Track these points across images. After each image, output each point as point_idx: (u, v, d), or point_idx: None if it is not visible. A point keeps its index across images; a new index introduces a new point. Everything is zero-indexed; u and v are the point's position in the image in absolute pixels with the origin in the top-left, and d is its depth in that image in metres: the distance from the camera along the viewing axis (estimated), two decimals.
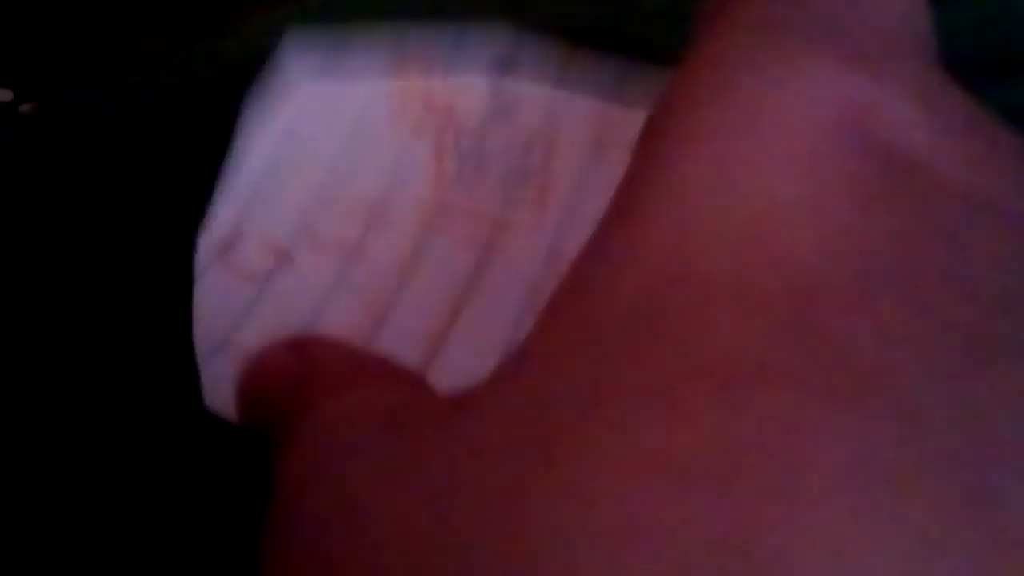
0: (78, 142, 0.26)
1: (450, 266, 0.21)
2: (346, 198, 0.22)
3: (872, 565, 0.09)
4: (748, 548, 0.09)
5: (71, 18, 0.32)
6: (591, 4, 0.26)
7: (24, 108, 0.30)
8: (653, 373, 0.11)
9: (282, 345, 0.16)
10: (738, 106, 0.13)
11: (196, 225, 0.22)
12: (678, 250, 0.12)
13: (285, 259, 0.21)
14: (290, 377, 0.16)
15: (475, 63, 0.24)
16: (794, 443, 0.09)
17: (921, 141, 0.12)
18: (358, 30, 0.24)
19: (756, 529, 0.09)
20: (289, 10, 0.26)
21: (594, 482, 0.10)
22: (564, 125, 0.23)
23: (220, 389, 0.19)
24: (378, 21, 0.25)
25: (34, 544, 0.19)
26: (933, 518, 0.09)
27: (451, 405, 0.13)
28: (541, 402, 0.11)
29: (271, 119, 0.23)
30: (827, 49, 0.13)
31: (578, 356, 0.11)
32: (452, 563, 0.10)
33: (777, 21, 0.14)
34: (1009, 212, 0.12)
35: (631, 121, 0.23)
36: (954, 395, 0.10)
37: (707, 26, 0.15)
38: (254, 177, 0.22)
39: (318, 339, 0.17)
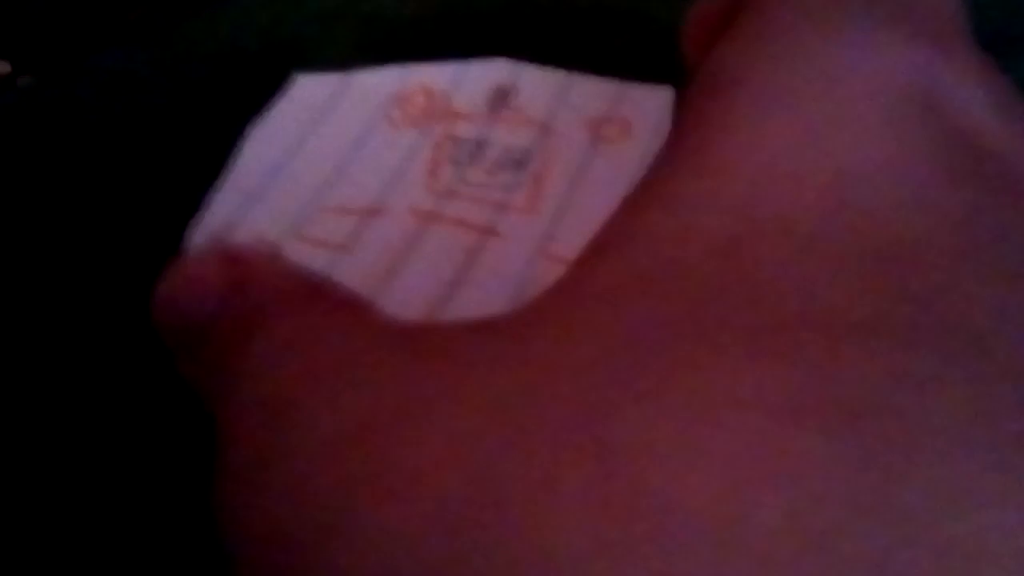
0: (74, 119, 0.25)
1: (439, 261, 0.21)
2: (341, 204, 0.22)
3: (1009, 520, 0.08)
4: (876, 502, 0.09)
5: None
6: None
7: (23, 80, 0.30)
8: (756, 317, 0.10)
9: (214, 254, 0.15)
10: (814, 67, 0.13)
11: (188, 217, 0.21)
12: (760, 202, 0.12)
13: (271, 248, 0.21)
14: (215, 288, 0.15)
15: (476, 90, 0.25)
16: (910, 396, 0.09)
17: (990, 126, 0.12)
18: (364, 70, 0.25)
19: (887, 482, 0.09)
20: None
21: (698, 422, 0.09)
22: (560, 130, 0.24)
23: None
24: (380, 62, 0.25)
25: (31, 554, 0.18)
26: None
27: (482, 327, 0.12)
28: (620, 333, 0.11)
29: (274, 140, 0.24)
30: (894, 23, 0.13)
31: (653, 295, 0.11)
32: (537, 476, 0.10)
33: None
34: None
35: (626, 120, 0.23)
36: None
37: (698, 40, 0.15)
38: (254, 185, 0.23)
39: (253, 248, 0.17)
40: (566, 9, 0.27)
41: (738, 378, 0.10)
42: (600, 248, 0.13)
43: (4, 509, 0.18)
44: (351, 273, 0.21)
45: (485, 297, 0.20)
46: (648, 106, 0.23)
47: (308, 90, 0.25)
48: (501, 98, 0.24)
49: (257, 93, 0.24)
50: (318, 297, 0.15)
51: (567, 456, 0.10)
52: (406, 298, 0.20)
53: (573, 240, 0.21)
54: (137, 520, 0.18)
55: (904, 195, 0.11)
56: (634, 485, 0.09)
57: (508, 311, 0.12)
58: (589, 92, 0.24)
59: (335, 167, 0.23)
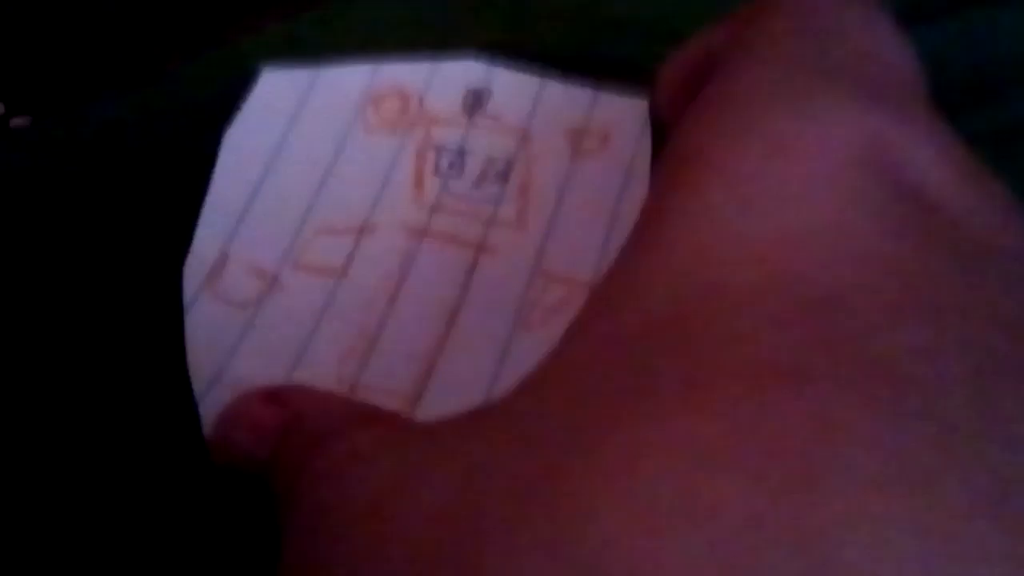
0: (70, 160, 0.26)
1: (438, 283, 0.22)
2: (330, 222, 0.23)
3: (915, 555, 0.09)
4: (788, 531, 0.10)
5: (63, 31, 0.32)
6: (567, 25, 0.27)
7: (16, 122, 0.30)
8: (686, 374, 0.11)
9: (256, 396, 0.17)
10: (768, 135, 0.13)
11: (180, 254, 0.22)
12: (708, 265, 0.13)
13: (273, 283, 0.22)
14: (270, 429, 0.16)
15: (449, 92, 0.25)
16: (833, 438, 0.10)
17: (938, 183, 0.13)
18: (333, 64, 0.25)
19: (798, 514, 0.10)
20: (265, 37, 0.27)
21: (633, 466, 0.11)
22: (539, 139, 0.24)
23: None
24: (352, 55, 0.25)
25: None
26: (964, 521, 0.10)
27: (468, 417, 0.14)
28: (574, 401, 0.12)
29: (251, 146, 0.24)
30: (852, 89, 0.14)
31: (610, 360, 0.12)
32: (499, 543, 0.11)
33: (801, 60, 0.15)
34: (1015, 252, 0.13)
35: (604, 131, 0.24)
36: (979, 407, 0.11)
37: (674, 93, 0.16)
38: (237, 203, 0.23)
39: (294, 387, 0.18)
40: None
41: (666, 429, 0.11)
42: (575, 327, 0.14)
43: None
44: (352, 300, 0.21)
45: (488, 320, 0.21)
46: (625, 117, 0.24)
47: (276, 86, 0.25)
48: (476, 102, 0.25)
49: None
50: (363, 418, 0.16)
51: (522, 518, 0.11)
52: (410, 326, 0.21)
53: (566, 256, 0.22)
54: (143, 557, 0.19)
55: (844, 249, 0.12)
56: (574, 537, 0.10)
57: (488, 401, 0.14)
58: (563, 98, 0.24)
59: (318, 181, 0.23)
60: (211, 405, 0.19)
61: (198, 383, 0.20)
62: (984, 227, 0.13)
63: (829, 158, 0.13)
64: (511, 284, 0.21)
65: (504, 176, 0.23)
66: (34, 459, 0.20)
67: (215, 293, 0.22)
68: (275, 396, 0.17)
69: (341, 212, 0.23)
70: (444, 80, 0.25)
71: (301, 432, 0.16)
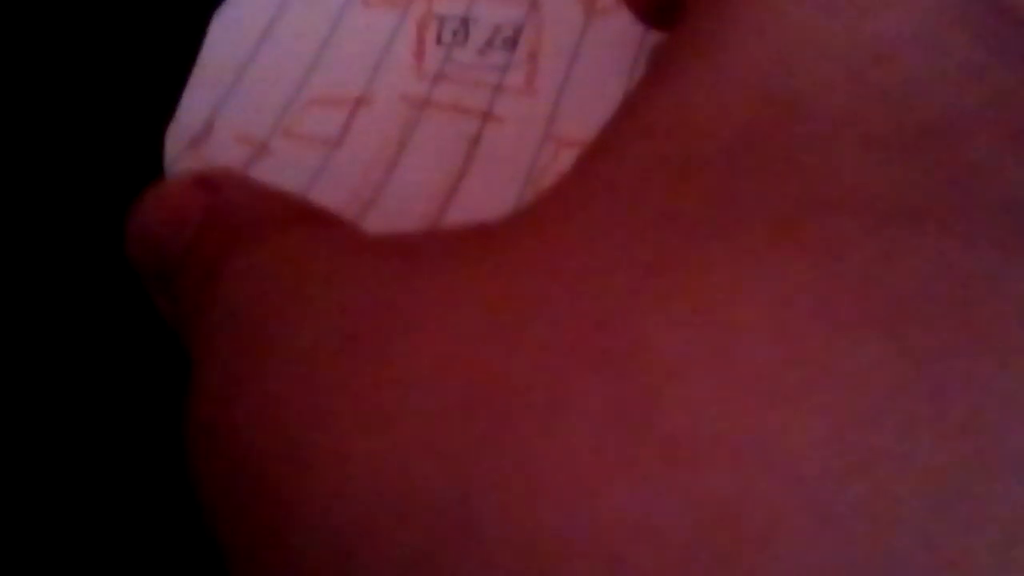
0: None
1: (439, 152, 0.20)
2: (325, 95, 0.21)
3: None
4: (937, 409, 0.08)
5: None
6: None
7: None
8: (783, 207, 0.09)
9: (186, 180, 0.15)
10: None
11: (162, 119, 0.20)
12: (779, 80, 0.11)
13: (261, 150, 0.20)
14: (192, 215, 0.14)
15: None
16: (970, 292, 0.08)
17: None
18: None
19: (947, 386, 0.08)
20: None
21: (729, 324, 0.09)
22: (550, 2, 0.23)
23: None
24: None
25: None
26: None
27: (477, 233, 0.11)
28: (628, 231, 0.10)
29: (243, 21, 0.22)
30: None
31: (670, 185, 0.10)
32: (541, 398, 0.09)
33: None
34: None
35: None
36: None
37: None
38: (226, 75, 0.21)
39: (228, 173, 0.16)
40: None
41: (761, 274, 0.09)
42: (604, 143, 0.12)
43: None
44: (347, 169, 0.20)
45: (493, 188, 0.20)
46: None
47: None
48: None
49: None
50: (299, 218, 0.14)
51: (574, 375, 0.09)
52: (409, 192, 0.20)
53: (579, 120, 0.20)
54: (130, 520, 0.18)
55: (939, 66, 0.11)
56: (649, 404, 0.08)
57: (506, 216, 0.11)
58: None
59: (311, 53, 0.22)
60: None
61: None
62: None
63: None
64: (520, 151, 0.20)
65: (512, 43, 0.22)
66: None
67: (198, 156, 0.20)
68: (206, 181, 0.15)
69: (336, 84, 0.21)
70: None
71: (226, 222, 0.14)
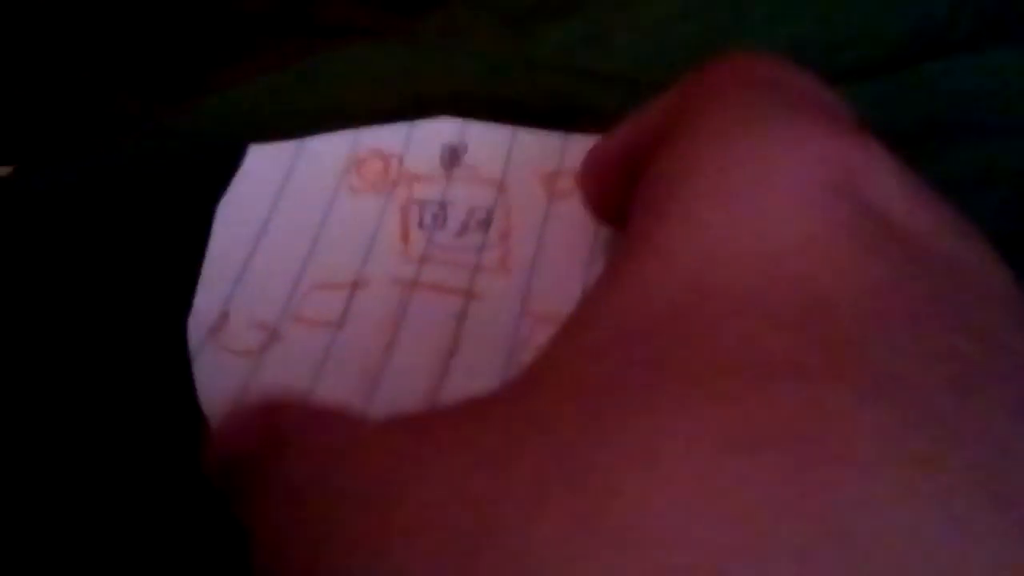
0: (55, 208, 0.26)
1: (430, 331, 0.23)
2: (325, 280, 0.24)
3: (913, 525, 0.10)
4: (808, 507, 0.11)
5: (49, 79, 0.32)
6: (549, 78, 0.28)
7: (1, 170, 0.31)
8: (697, 368, 0.12)
9: (249, 407, 0.18)
10: (747, 161, 0.15)
11: (183, 308, 0.23)
12: (704, 273, 0.14)
13: (273, 335, 0.23)
14: (261, 430, 0.17)
15: (427, 150, 0.26)
16: (834, 426, 0.11)
17: (900, 206, 0.15)
18: (315, 136, 0.27)
19: (813, 492, 0.11)
20: (254, 88, 0.27)
21: (655, 449, 0.11)
22: (516, 186, 0.25)
23: None
24: (332, 127, 0.27)
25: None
26: (955, 495, 0.11)
27: (470, 405, 0.14)
28: (587, 391, 0.13)
29: (242, 217, 0.25)
30: (817, 119, 0.15)
31: (619, 355, 0.13)
32: (522, 526, 0.11)
33: (763, 99, 0.16)
34: (975, 268, 0.14)
35: (576, 170, 0.25)
36: (958, 403, 0.12)
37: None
38: (233, 268, 0.24)
39: (281, 398, 0.19)
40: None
41: (685, 416, 0.12)
42: (570, 326, 0.15)
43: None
44: (350, 350, 0.22)
45: (481, 362, 0.22)
46: None
47: (263, 160, 0.26)
48: (453, 156, 0.26)
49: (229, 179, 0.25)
50: (331, 417, 0.17)
51: (546, 495, 0.12)
52: (408, 371, 0.22)
53: (550, 295, 0.23)
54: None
55: (828, 264, 0.14)
56: (600, 512, 0.11)
57: (492, 390, 0.15)
58: (536, 145, 0.26)
59: (310, 241, 0.24)
60: None
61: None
62: (944, 246, 0.14)
63: (809, 182, 0.14)
64: (500, 327, 0.22)
65: (486, 224, 0.25)
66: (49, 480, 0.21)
67: (219, 344, 0.23)
68: (265, 406, 0.18)
69: (334, 269, 0.24)
70: (421, 139, 0.26)
71: (280, 428, 0.16)
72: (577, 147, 0.26)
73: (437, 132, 0.26)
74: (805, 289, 0.13)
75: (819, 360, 0.12)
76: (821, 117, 0.16)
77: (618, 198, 0.18)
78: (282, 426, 0.16)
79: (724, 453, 0.11)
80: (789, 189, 0.14)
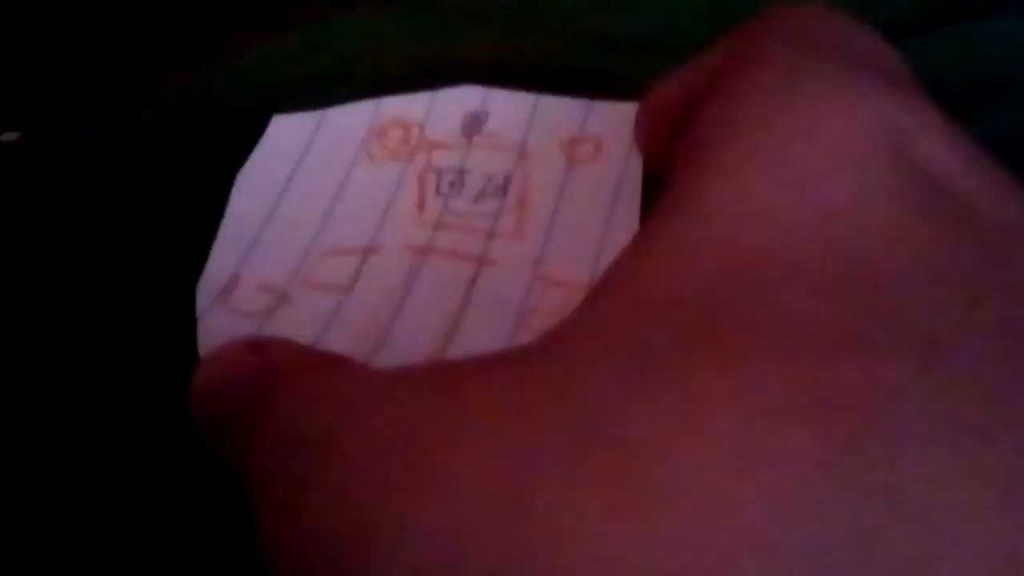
0: (64, 174, 0.26)
1: (440, 295, 0.22)
2: (338, 246, 0.24)
3: (973, 503, 0.10)
4: (859, 481, 0.10)
5: (67, 46, 0.32)
6: (560, 43, 0.27)
7: (8, 136, 0.30)
8: (742, 334, 0.12)
9: (239, 343, 0.17)
10: (804, 119, 0.14)
11: (191, 273, 0.23)
12: (746, 238, 0.13)
13: (282, 298, 0.23)
14: (251, 369, 0.16)
15: (448, 118, 0.26)
16: (887, 399, 0.11)
17: (948, 168, 0.14)
18: (338, 106, 0.26)
19: (866, 466, 0.10)
20: (266, 51, 0.27)
21: (699, 413, 0.11)
22: (536, 152, 0.25)
23: None
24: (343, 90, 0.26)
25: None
26: (1016, 468, 0.10)
27: (498, 357, 0.14)
28: (626, 352, 0.12)
29: (262, 184, 0.25)
30: (870, 79, 0.15)
31: (657, 319, 0.13)
32: (560, 481, 0.11)
33: (818, 55, 0.16)
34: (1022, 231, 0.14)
35: (597, 137, 0.25)
36: (1009, 376, 0.11)
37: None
38: (248, 233, 0.24)
39: (272, 337, 0.18)
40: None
41: (729, 381, 0.11)
42: (605, 286, 0.14)
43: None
44: (358, 314, 0.22)
45: (489, 325, 0.22)
46: (616, 121, 0.25)
47: (286, 129, 0.26)
48: (474, 124, 0.26)
49: (248, 146, 0.25)
50: (333, 364, 0.17)
51: (585, 454, 0.11)
52: (414, 333, 0.22)
53: (564, 260, 0.23)
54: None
55: (876, 229, 0.13)
56: (641, 475, 0.11)
57: (517, 346, 0.14)
58: (558, 112, 0.25)
59: (325, 208, 0.24)
60: None
61: None
62: (992, 209, 0.14)
63: (859, 143, 0.14)
64: (511, 291, 0.22)
65: (503, 190, 0.24)
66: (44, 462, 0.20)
67: (227, 306, 0.22)
68: (254, 344, 0.17)
69: (347, 235, 0.24)
70: (443, 107, 0.26)
71: (275, 369, 0.16)
72: (601, 114, 0.25)
73: (459, 100, 0.26)
74: (852, 255, 0.13)
75: (868, 330, 0.12)
76: (876, 77, 0.15)
77: (670, 143, 0.18)
78: (274, 368, 0.16)
79: (773, 420, 0.11)
80: (838, 150, 0.14)
